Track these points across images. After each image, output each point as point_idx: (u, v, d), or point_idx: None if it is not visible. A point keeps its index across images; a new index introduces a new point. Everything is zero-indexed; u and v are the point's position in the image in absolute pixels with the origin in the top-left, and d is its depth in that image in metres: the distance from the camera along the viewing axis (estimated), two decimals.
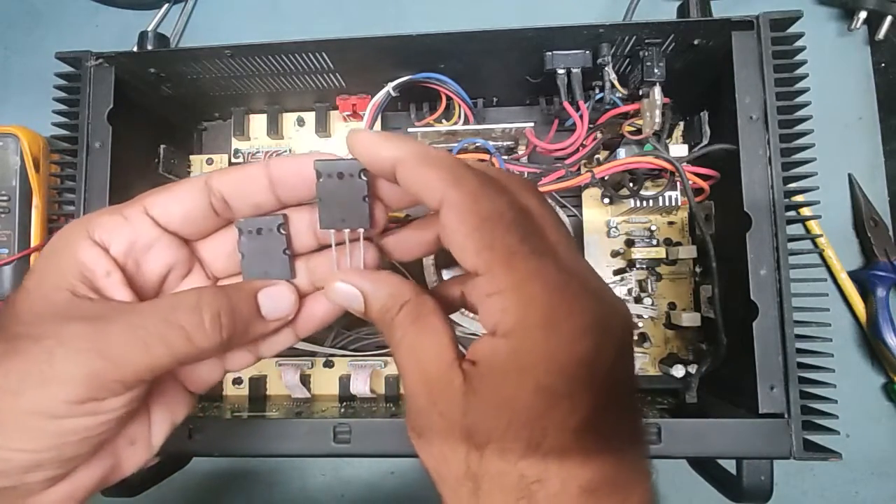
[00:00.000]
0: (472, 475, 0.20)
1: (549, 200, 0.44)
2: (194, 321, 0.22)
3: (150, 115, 0.48)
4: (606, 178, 0.42)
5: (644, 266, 0.47)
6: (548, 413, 0.19)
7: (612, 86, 0.42)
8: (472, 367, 0.21)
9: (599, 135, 0.44)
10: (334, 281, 0.23)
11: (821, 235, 0.49)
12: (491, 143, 0.44)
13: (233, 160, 0.52)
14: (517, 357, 0.20)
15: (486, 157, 0.44)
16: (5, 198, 0.51)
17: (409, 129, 0.44)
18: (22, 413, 0.20)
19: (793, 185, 0.38)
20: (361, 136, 0.22)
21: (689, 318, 0.44)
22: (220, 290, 0.23)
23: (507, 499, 0.19)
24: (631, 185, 0.43)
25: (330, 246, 0.25)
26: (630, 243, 0.48)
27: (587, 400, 0.20)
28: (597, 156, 0.47)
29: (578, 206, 0.49)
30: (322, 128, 0.50)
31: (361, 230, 0.24)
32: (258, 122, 0.52)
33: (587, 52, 0.41)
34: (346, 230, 0.24)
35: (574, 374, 0.19)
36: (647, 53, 0.40)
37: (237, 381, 0.49)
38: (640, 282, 0.47)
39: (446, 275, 0.44)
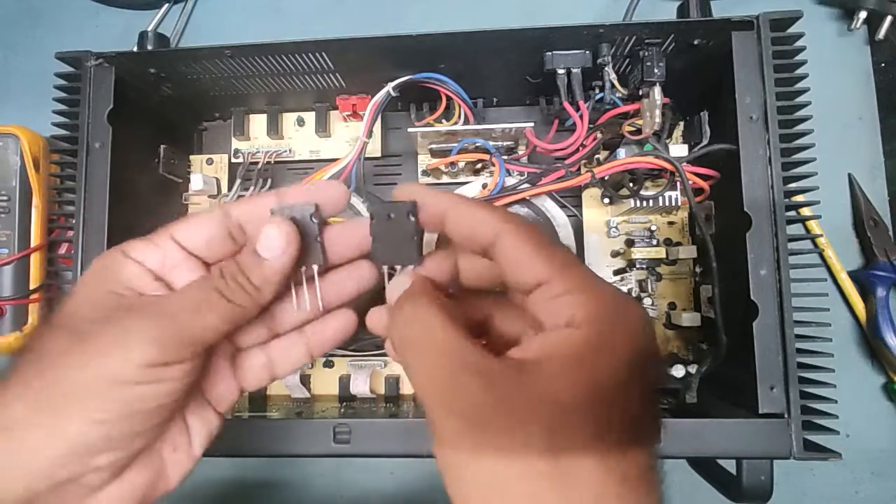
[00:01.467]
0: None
1: (550, 200, 0.44)
2: (222, 284, 0.25)
3: (150, 115, 0.48)
4: (606, 178, 0.42)
5: (644, 266, 0.47)
6: (615, 399, 0.21)
7: (612, 86, 0.42)
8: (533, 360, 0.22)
9: (599, 135, 0.44)
10: (403, 275, 0.26)
11: (821, 235, 0.49)
12: (491, 143, 0.44)
13: (233, 160, 0.52)
14: (593, 342, 0.21)
15: (486, 156, 0.44)
16: (5, 198, 0.51)
17: (409, 129, 0.44)
18: (101, 380, 0.22)
19: (793, 185, 0.38)
20: (410, 189, 0.25)
21: (689, 318, 0.44)
22: (231, 260, 0.26)
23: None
24: (631, 185, 0.43)
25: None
26: (630, 243, 0.48)
27: (640, 389, 0.21)
28: (597, 156, 0.47)
29: (578, 206, 0.49)
30: (322, 128, 0.51)
31: (411, 267, 0.26)
32: (258, 122, 0.52)
33: (587, 52, 0.41)
34: (398, 266, 0.26)
35: (634, 362, 0.21)
36: (647, 53, 0.40)
37: None
38: (640, 282, 0.47)
39: None
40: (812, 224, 0.48)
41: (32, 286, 0.52)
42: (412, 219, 0.25)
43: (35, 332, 0.25)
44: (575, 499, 0.20)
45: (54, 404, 0.22)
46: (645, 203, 0.43)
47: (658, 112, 0.40)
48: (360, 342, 0.50)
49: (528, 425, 0.20)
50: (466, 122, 0.46)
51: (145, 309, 0.24)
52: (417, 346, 0.23)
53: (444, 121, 0.47)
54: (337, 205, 0.27)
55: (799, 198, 0.40)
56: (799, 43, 0.38)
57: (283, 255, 0.25)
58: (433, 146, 0.46)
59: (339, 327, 0.29)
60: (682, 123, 0.47)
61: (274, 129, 0.51)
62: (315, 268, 0.27)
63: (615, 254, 0.48)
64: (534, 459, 0.20)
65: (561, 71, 0.41)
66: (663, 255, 0.46)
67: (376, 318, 0.27)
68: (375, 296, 0.28)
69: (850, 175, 0.51)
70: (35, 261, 0.52)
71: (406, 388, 0.48)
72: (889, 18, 0.49)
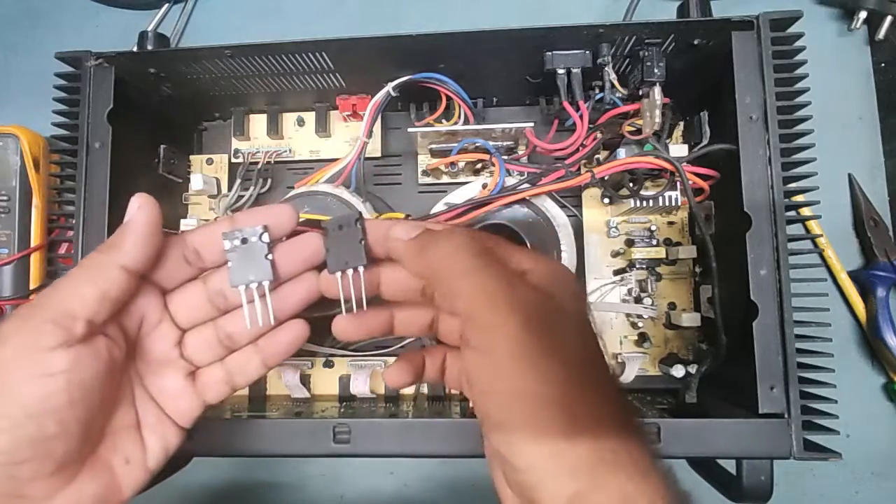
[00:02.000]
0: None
1: (550, 200, 0.44)
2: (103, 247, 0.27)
3: (150, 115, 0.48)
4: (606, 178, 0.42)
5: (644, 266, 0.47)
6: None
7: (612, 86, 0.42)
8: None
9: (599, 135, 0.44)
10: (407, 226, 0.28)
11: (821, 235, 0.49)
12: (491, 143, 0.44)
13: (233, 160, 0.52)
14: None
15: (486, 156, 0.44)
16: (5, 198, 0.51)
17: (410, 129, 0.44)
18: (8, 379, 0.24)
19: (793, 185, 0.38)
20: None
21: (689, 318, 0.44)
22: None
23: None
24: (631, 185, 0.43)
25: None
26: (630, 243, 0.48)
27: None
28: (597, 156, 0.47)
29: (578, 206, 0.49)
30: (322, 128, 0.51)
31: (361, 267, 0.29)
32: (258, 122, 0.52)
33: (587, 52, 0.41)
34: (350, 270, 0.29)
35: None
36: (647, 53, 0.40)
37: None
38: (640, 282, 0.47)
39: None
40: (812, 224, 0.48)
41: (32, 286, 0.52)
42: (359, 226, 0.29)
43: None
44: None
45: None
46: (645, 203, 0.43)
47: (658, 112, 0.40)
48: (361, 342, 0.50)
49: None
50: (466, 122, 0.46)
51: (46, 294, 0.25)
52: (462, 254, 0.25)
53: (444, 121, 0.47)
54: (286, 226, 0.29)
55: (799, 198, 0.40)
56: (799, 43, 0.38)
57: (138, 212, 0.27)
58: (433, 146, 0.46)
59: (292, 338, 0.31)
60: (682, 123, 0.47)
61: (274, 129, 0.51)
62: (266, 284, 0.29)
63: (615, 254, 0.48)
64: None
65: (561, 71, 0.41)
66: (663, 255, 0.46)
67: (343, 324, 0.30)
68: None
69: (850, 175, 0.51)
70: (35, 261, 0.52)
71: (406, 388, 0.48)
72: (889, 18, 0.49)
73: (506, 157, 0.44)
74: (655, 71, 0.40)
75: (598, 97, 0.42)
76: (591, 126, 0.43)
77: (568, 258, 0.42)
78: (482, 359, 0.23)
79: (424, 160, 0.49)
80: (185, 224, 0.47)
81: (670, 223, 0.48)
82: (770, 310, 0.36)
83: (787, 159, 0.37)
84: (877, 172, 0.51)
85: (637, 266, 0.47)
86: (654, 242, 0.47)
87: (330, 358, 0.49)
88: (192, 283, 0.30)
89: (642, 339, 0.47)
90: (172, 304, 0.30)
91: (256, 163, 0.50)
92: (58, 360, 0.24)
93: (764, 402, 0.35)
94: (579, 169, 0.45)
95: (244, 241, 0.28)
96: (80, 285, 0.26)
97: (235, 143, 0.52)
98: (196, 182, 0.49)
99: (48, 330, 0.24)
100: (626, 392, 0.47)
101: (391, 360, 0.48)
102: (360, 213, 0.29)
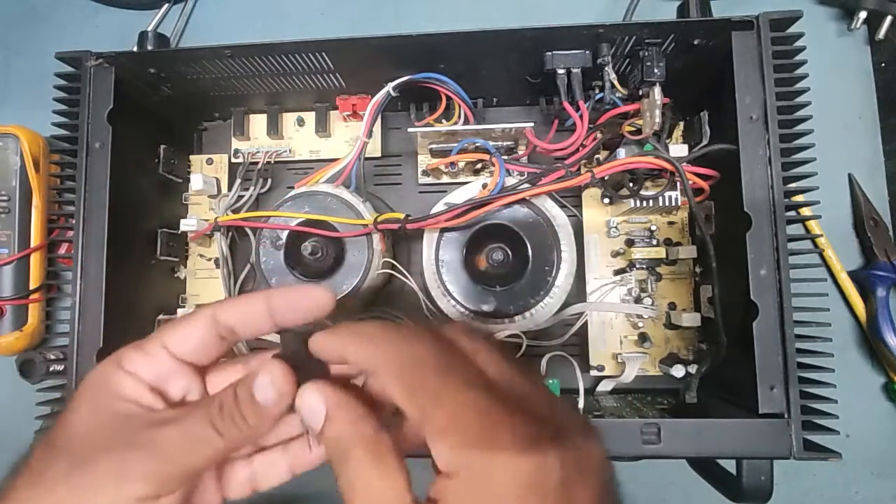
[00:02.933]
0: None
1: (550, 200, 0.44)
2: (218, 420, 0.25)
3: (150, 115, 0.48)
4: (606, 178, 0.42)
5: (644, 266, 0.47)
6: None
7: (612, 86, 0.42)
8: None
9: (599, 135, 0.44)
10: (307, 389, 0.25)
11: (821, 235, 0.49)
12: (491, 143, 0.44)
13: (233, 160, 0.52)
14: (468, 493, 0.21)
15: (486, 157, 0.44)
16: (5, 198, 0.51)
17: (410, 129, 0.44)
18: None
19: (793, 185, 0.38)
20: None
21: (689, 318, 0.44)
22: (229, 390, 0.25)
23: None
24: (631, 185, 0.43)
25: None
26: (630, 243, 0.48)
27: None
28: (597, 156, 0.47)
29: (578, 206, 0.49)
30: (322, 128, 0.50)
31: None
32: (258, 122, 0.52)
33: (587, 52, 0.41)
34: None
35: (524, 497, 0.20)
36: (647, 53, 0.40)
37: None
38: (640, 282, 0.47)
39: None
40: (812, 224, 0.48)
41: (32, 286, 0.52)
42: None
43: (32, 451, 0.25)
44: None
45: None
46: (645, 203, 0.43)
47: (658, 112, 0.40)
48: None
49: None
50: (466, 122, 0.46)
51: (143, 444, 0.24)
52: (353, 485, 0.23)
53: (444, 121, 0.47)
54: (323, 309, 0.27)
55: (799, 198, 0.40)
56: (799, 43, 0.38)
57: (279, 403, 0.25)
58: (433, 146, 0.46)
59: (323, 455, 0.29)
60: (682, 123, 0.47)
61: (274, 129, 0.51)
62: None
63: (615, 254, 0.48)
64: None
65: (561, 71, 0.41)
66: (663, 255, 0.46)
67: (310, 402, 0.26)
68: None
69: (850, 175, 0.51)
70: (35, 261, 0.52)
71: None
72: (889, 18, 0.49)
73: (506, 157, 0.44)
74: (655, 71, 0.40)
75: (598, 97, 0.42)
76: (591, 126, 0.43)
77: (568, 258, 0.42)
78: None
79: (424, 160, 0.49)
80: (185, 224, 0.47)
81: (670, 223, 0.48)
82: (770, 310, 0.36)
83: (787, 159, 0.37)
84: (877, 172, 0.51)
85: (637, 266, 0.47)
86: (654, 242, 0.47)
87: None
88: (232, 366, 0.29)
89: (642, 339, 0.47)
90: (210, 386, 0.29)
91: (256, 163, 0.50)
92: (162, 502, 0.23)
93: (764, 402, 0.35)
94: (579, 169, 0.45)
95: (294, 339, 0.26)
96: (203, 448, 0.24)
97: (235, 143, 0.52)
98: (196, 182, 0.49)
99: (167, 482, 0.23)
100: (628, 392, 0.47)
101: None
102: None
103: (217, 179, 0.51)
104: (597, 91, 0.42)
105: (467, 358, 0.24)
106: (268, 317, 0.27)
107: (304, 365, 0.25)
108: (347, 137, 0.51)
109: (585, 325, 0.47)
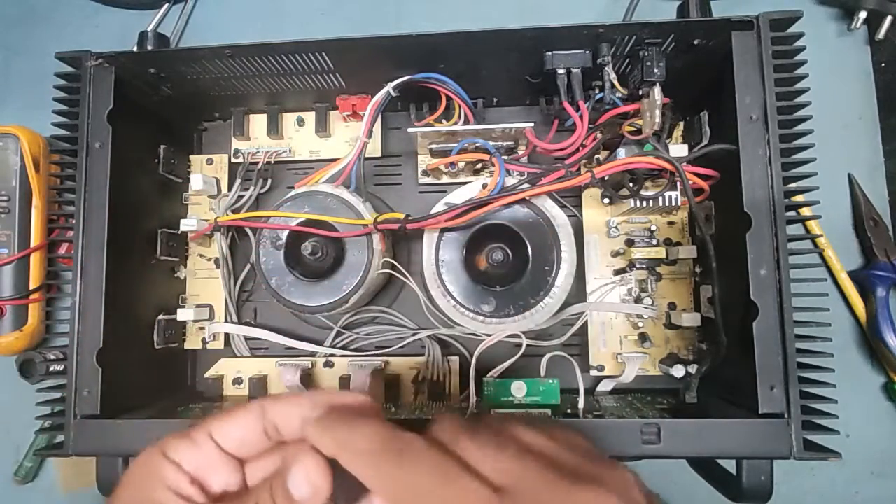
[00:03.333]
0: None
1: (550, 200, 0.44)
2: None
3: (150, 115, 0.48)
4: (606, 178, 0.42)
5: (644, 266, 0.47)
6: None
7: (612, 86, 0.42)
8: None
9: (599, 135, 0.44)
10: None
11: (821, 235, 0.49)
12: (491, 143, 0.44)
13: (233, 160, 0.52)
14: None
15: (486, 156, 0.44)
16: (5, 198, 0.51)
17: (410, 129, 0.44)
18: None
19: (793, 185, 0.38)
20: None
21: (689, 318, 0.44)
22: (266, 487, 0.25)
23: None
24: (631, 185, 0.43)
25: None
26: (630, 243, 0.48)
27: None
28: (597, 156, 0.47)
29: (578, 206, 0.49)
30: (322, 128, 0.50)
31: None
32: (258, 122, 0.52)
33: (587, 52, 0.41)
34: None
35: None
36: (647, 53, 0.40)
37: (237, 382, 0.49)
38: (640, 282, 0.47)
39: None
40: (812, 224, 0.48)
41: (32, 286, 0.52)
42: None
43: None
44: None
45: None
46: (645, 203, 0.43)
47: (658, 112, 0.40)
48: (361, 342, 0.50)
49: None
50: (466, 122, 0.46)
51: None
52: None
53: (444, 121, 0.47)
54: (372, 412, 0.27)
55: (799, 198, 0.40)
56: (799, 43, 0.38)
57: (314, 498, 0.24)
58: (433, 146, 0.46)
59: None
60: (682, 123, 0.47)
61: (274, 129, 0.51)
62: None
63: (615, 254, 0.48)
64: None
65: (561, 71, 0.41)
66: (663, 255, 0.46)
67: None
68: None
69: (850, 175, 0.51)
70: (35, 261, 0.52)
71: (406, 388, 0.48)
72: (889, 18, 0.49)
73: (506, 157, 0.44)
74: (655, 71, 0.40)
75: (598, 97, 0.42)
76: (591, 126, 0.43)
77: (568, 258, 0.42)
78: None
79: (424, 160, 0.49)
80: (185, 224, 0.47)
81: (670, 223, 0.48)
82: (770, 310, 0.36)
83: (787, 159, 0.37)
84: (877, 172, 0.51)
85: (637, 266, 0.47)
86: (654, 242, 0.47)
87: (330, 358, 0.49)
88: (270, 455, 0.29)
89: (642, 339, 0.47)
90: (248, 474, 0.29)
91: (256, 163, 0.50)
92: None
93: (764, 402, 0.35)
94: (579, 169, 0.45)
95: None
96: None
97: (235, 143, 0.52)
98: (196, 182, 0.49)
99: None
100: (628, 392, 0.47)
101: (392, 359, 0.48)
102: None
103: (217, 179, 0.51)
104: (597, 91, 0.42)
105: (466, 469, 0.24)
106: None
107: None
108: (347, 137, 0.51)
109: (585, 325, 0.47)
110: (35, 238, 0.52)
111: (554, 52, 0.41)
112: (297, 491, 0.24)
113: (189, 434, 0.27)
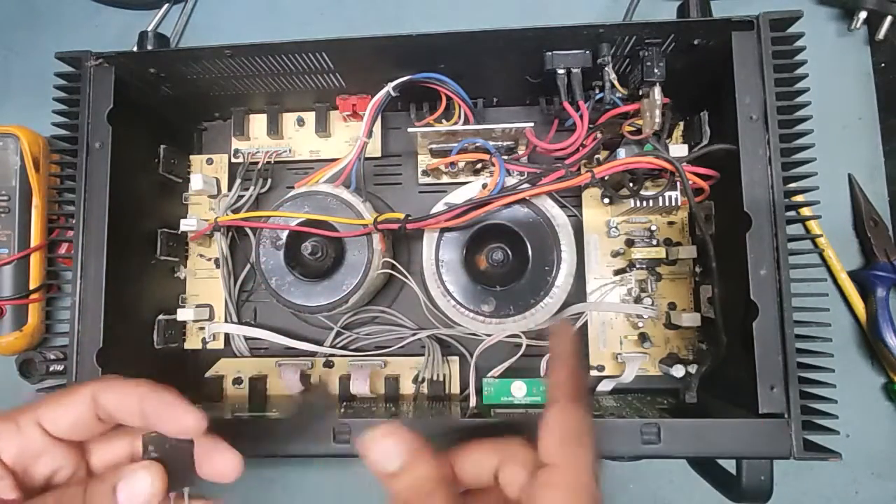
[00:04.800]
0: None
1: (550, 200, 0.44)
2: None
3: (150, 115, 0.48)
4: (606, 178, 0.42)
5: (644, 266, 0.47)
6: None
7: (612, 86, 0.42)
8: None
9: (599, 135, 0.44)
10: (383, 434, 0.26)
11: (821, 235, 0.49)
12: (491, 143, 0.44)
13: (233, 160, 0.52)
14: None
15: (486, 156, 0.44)
16: (5, 198, 0.51)
17: (410, 129, 0.44)
18: None
19: (793, 185, 0.38)
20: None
21: (689, 318, 0.44)
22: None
23: None
24: (631, 185, 0.43)
25: None
26: (630, 243, 0.48)
27: None
28: (597, 156, 0.47)
29: (578, 206, 0.49)
30: (322, 128, 0.50)
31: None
32: (258, 122, 0.52)
33: (587, 52, 0.41)
34: None
35: None
36: (647, 53, 0.40)
37: (237, 382, 0.49)
38: (640, 282, 0.47)
39: None
40: (812, 224, 0.48)
41: (32, 286, 0.52)
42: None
43: None
44: None
45: None
46: (645, 203, 0.43)
47: (658, 112, 0.40)
48: (361, 342, 0.50)
49: None
50: (466, 122, 0.46)
51: None
52: None
53: (444, 121, 0.47)
54: (190, 434, 0.28)
55: (799, 198, 0.40)
56: (799, 43, 0.38)
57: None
58: (433, 146, 0.46)
59: None
60: (682, 123, 0.47)
61: (274, 129, 0.51)
62: (185, 491, 0.28)
63: (615, 254, 0.48)
64: None
65: (561, 71, 0.41)
66: (663, 255, 0.46)
67: None
68: None
69: (850, 175, 0.51)
70: (35, 261, 0.52)
71: (406, 388, 0.48)
72: (889, 18, 0.49)
73: (506, 157, 0.44)
74: (655, 71, 0.40)
75: (598, 97, 0.42)
76: (591, 126, 0.43)
77: (568, 258, 0.42)
78: None
79: (424, 160, 0.49)
80: (185, 224, 0.47)
81: (670, 223, 0.48)
82: (770, 310, 0.36)
83: (787, 159, 0.37)
84: (877, 172, 0.51)
85: (637, 266, 0.47)
86: (654, 242, 0.47)
87: (330, 358, 0.49)
88: (118, 438, 0.29)
89: (642, 339, 0.47)
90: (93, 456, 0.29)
91: (256, 163, 0.50)
92: None
93: (764, 402, 0.35)
94: (579, 169, 0.45)
95: (167, 448, 0.27)
96: None
97: (235, 143, 0.52)
98: (196, 182, 0.49)
99: None
100: (628, 392, 0.47)
101: (391, 360, 0.48)
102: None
103: (217, 179, 0.51)
104: (597, 91, 0.42)
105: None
106: (139, 417, 0.27)
107: (171, 453, 0.27)
108: (347, 137, 0.51)
109: (585, 325, 0.47)
110: (35, 238, 0.52)
111: (554, 52, 0.41)
112: (125, 498, 0.25)
113: (13, 418, 0.26)
